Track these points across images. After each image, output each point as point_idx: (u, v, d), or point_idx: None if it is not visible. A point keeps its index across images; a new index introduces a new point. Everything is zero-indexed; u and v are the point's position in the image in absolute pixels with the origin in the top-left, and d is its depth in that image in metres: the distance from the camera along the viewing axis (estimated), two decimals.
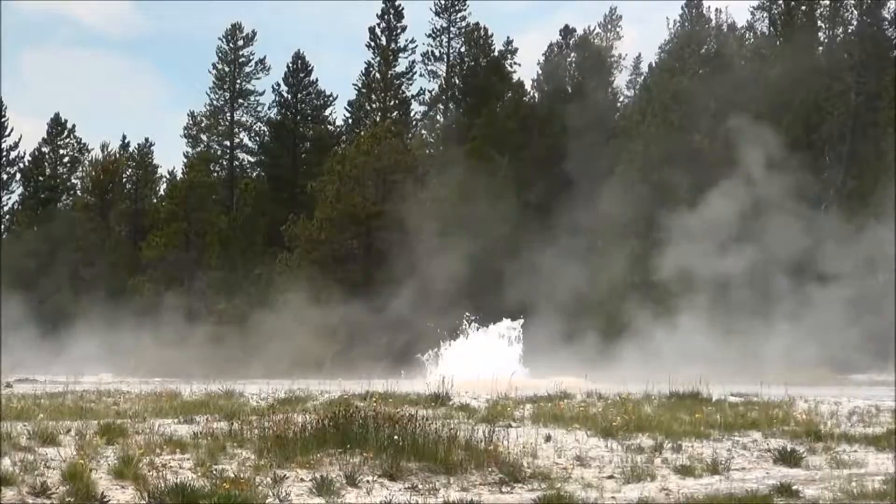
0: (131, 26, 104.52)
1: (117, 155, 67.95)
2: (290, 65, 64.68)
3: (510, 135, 54.29)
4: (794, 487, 9.83)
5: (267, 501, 9.23)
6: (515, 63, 63.36)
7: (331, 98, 64.94)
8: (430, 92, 63.65)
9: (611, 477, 10.80)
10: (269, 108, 65.30)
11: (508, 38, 65.06)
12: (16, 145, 65.80)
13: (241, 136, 65.73)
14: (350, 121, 64.29)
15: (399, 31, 63.13)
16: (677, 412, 15.64)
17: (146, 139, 68.62)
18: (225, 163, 65.81)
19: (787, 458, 11.79)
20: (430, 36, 63.62)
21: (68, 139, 67.71)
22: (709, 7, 60.49)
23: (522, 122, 55.72)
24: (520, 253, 46.67)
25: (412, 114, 64.34)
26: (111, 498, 9.14)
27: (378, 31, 63.00)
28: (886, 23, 51.09)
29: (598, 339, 40.43)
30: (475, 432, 11.56)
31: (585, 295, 43.82)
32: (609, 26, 65.26)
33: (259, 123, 65.65)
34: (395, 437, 10.92)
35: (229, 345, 46.50)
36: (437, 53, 63.55)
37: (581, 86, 58.33)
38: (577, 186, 47.34)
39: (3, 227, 65.01)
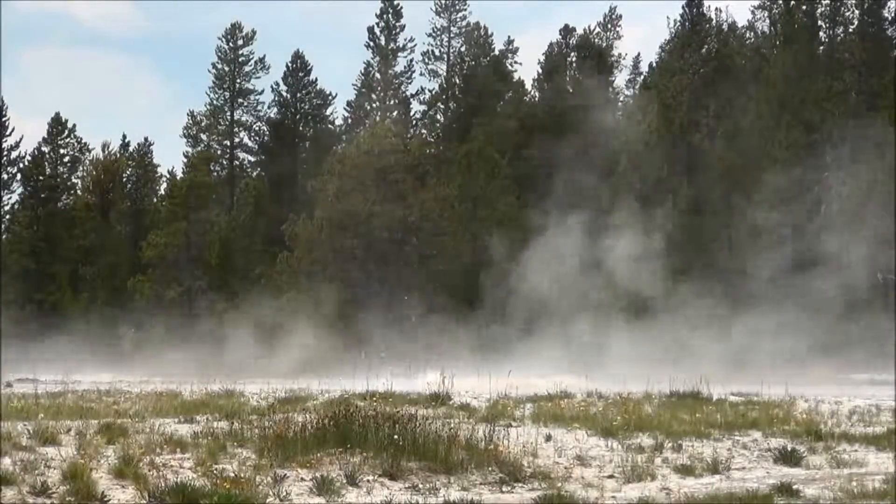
0: (131, 26, 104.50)
1: (117, 155, 67.92)
2: (290, 64, 64.66)
3: (510, 135, 54.26)
4: (795, 487, 9.83)
5: (267, 501, 9.23)
6: (515, 63, 63.47)
7: (330, 97, 64.97)
8: (430, 91, 63.69)
9: (611, 476, 10.80)
10: (268, 108, 65.38)
11: (508, 37, 65.17)
12: (16, 145, 65.69)
13: (241, 135, 65.76)
14: (350, 120, 64.29)
15: (398, 30, 63.14)
16: (678, 412, 15.64)
17: (146, 139, 68.69)
18: (225, 162, 65.80)
19: (788, 458, 11.79)
20: (430, 35, 63.70)
21: (69, 139, 67.61)
22: (709, 7, 60.34)
23: (522, 122, 55.70)
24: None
25: (412, 113, 64.38)
26: (111, 497, 9.13)
27: (377, 30, 63.04)
28: (886, 22, 51.08)
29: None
30: (475, 432, 11.56)
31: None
32: (609, 26, 65.27)
33: (259, 123, 65.68)
34: (396, 436, 10.91)
35: (229, 345, 46.48)
36: (437, 53, 63.60)
37: (581, 85, 58.32)
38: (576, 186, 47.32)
39: (3, 227, 64.94)
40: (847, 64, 49.54)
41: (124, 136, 69.15)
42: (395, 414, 11.88)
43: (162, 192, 67.06)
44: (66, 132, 67.39)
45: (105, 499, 9.07)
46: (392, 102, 62.93)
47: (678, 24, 55.30)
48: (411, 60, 63.14)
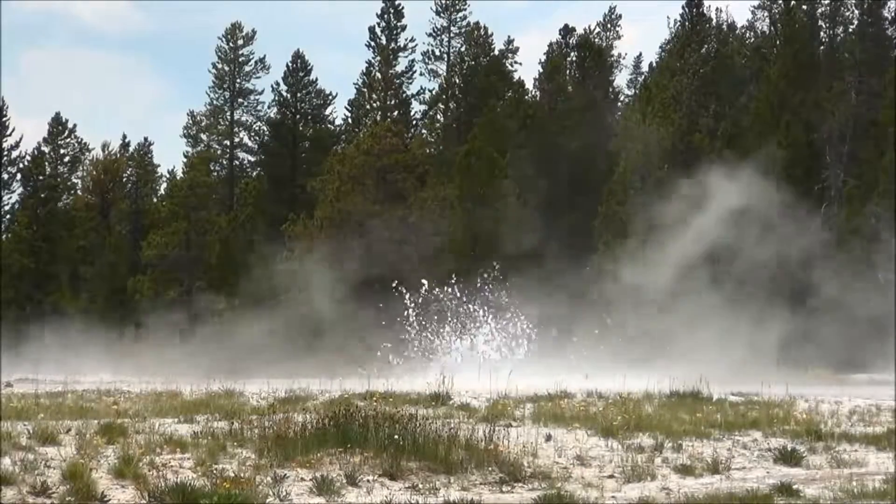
0: (131, 26, 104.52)
1: (117, 155, 67.99)
2: (290, 64, 64.68)
3: (510, 135, 54.26)
4: (795, 487, 9.83)
5: (267, 501, 9.23)
6: (515, 62, 63.48)
7: (331, 97, 65.00)
8: (430, 91, 63.72)
9: (611, 476, 10.80)
10: (268, 108, 65.43)
11: (508, 37, 65.16)
12: (16, 145, 65.72)
13: (241, 135, 65.80)
14: (350, 120, 64.33)
15: (399, 30, 63.17)
16: (678, 411, 15.63)
17: (146, 139, 68.82)
18: (225, 162, 65.85)
19: (788, 458, 11.78)
20: (430, 35, 63.70)
21: (69, 139, 67.68)
22: (709, 6, 60.36)
23: (522, 122, 55.70)
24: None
25: (412, 113, 64.40)
26: (111, 497, 9.14)
27: (378, 30, 63.07)
28: (886, 22, 51.07)
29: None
30: (475, 432, 11.55)
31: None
32: (609, 25, 65.24)
33: (259, 123, 65.74)
34: (396, 436, 10.91)
35: (229, 344, 46.46)
36: (437, 53, 63.61)
37: (581, 85, 58.34)
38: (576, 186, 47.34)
39: (3, 227, 64.96)
40: (847, 64, 49.55)
41: (124, 136, 69.36)
42: (395, 414, 11.88)
43: (162, 192, 67.14)
44: (66, 132, 67.45)
45: (105, 499, 9.08)
46: (392, 102, 62.95)
47: (678, 24, 55.33)
48: (412, 60, 63.25)
